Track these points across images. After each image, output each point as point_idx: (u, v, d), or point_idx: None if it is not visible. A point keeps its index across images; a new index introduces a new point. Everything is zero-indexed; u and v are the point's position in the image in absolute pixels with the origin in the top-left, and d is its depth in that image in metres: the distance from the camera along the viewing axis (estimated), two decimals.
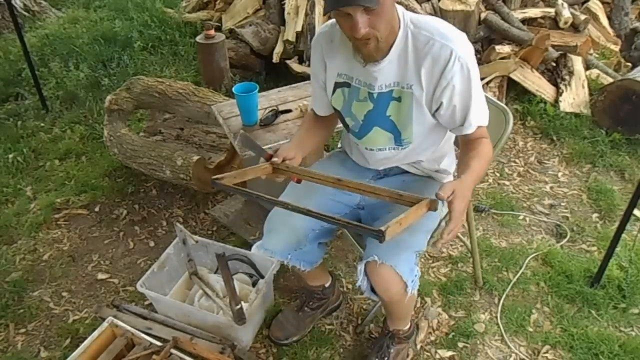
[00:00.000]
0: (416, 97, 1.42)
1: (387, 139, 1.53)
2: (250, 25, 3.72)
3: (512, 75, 3.28)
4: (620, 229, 1.98)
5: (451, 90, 1.37)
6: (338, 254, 2.33)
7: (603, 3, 4.00)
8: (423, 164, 1.63)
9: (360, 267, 1.48)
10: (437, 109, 1.43)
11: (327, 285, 2.00)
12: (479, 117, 1.42)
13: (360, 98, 1.50)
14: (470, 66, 1.35)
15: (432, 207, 1.27)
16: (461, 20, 3.35)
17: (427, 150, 1.58)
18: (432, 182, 1.66)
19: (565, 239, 2.40)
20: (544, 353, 1.91)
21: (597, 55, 3.63)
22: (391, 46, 1.38)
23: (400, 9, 1.37)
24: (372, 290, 1.54)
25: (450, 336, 1.97)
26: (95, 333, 1.76)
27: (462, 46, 1.35)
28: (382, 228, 1.12)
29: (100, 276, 2.30)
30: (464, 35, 1.38)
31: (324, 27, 1.54)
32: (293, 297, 2.14)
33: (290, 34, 3.48)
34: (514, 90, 3.37)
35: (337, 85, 1.53)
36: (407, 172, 1.68)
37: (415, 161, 1.62)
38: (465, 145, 1.48)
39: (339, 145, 1.85)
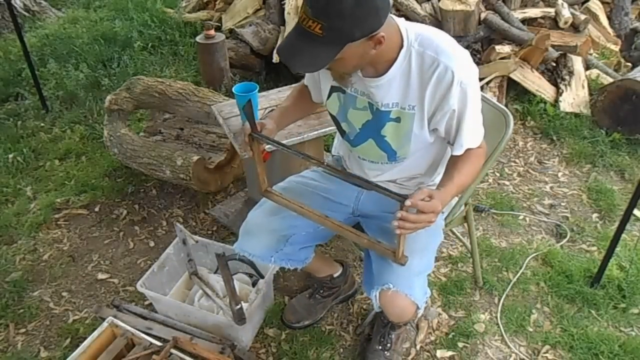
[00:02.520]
0: (418, 117, 1.39)
1: (380, 155, 1.50)
2: (250, 25, 3.72)
3: (512, 75, 3.28)
4: (620, 229, 1.98)
5: (450, 114, 1.35)
6: (338, 254, 2.33)
7: (603, 3, 3.99)
8: (419, 179, 1.59)
9: (375, 293, 1.46)
10: (435, 129, 1.42)
11: (335, 275, 2.00)
12: (470, 139, 1.39)
13: (358, 106, 1.46)
14: (470, 89, 1.32)
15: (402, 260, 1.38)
16: (461, 20, 3.35)
17: (424, 164, 1.56)
18: None
19: (565, 239, 2.40)
20: (544, 353, 1.91)
21: (597, 55, 3.63)
22: (392, 64, 1.33)
23: (403, 24, 1.31)
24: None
25: (450, 336, 1.97)
26: (95, 333, 1.76)
27: (464, 68, 1.31)
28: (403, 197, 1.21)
29: (100, 276, 2.30)
30: (467, 53, 1.35)
31: None
32: (296, 294, 2.14)
33: None
34: (514, 90, 3.37)
35: (333, 89, 1.49)
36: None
37: (412, 176, 1.58)
38: (451, 158, 1.46)
39: (333, 153, 1.82)
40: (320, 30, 1.16)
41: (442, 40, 1.33)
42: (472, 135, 1.40)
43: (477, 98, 1.36)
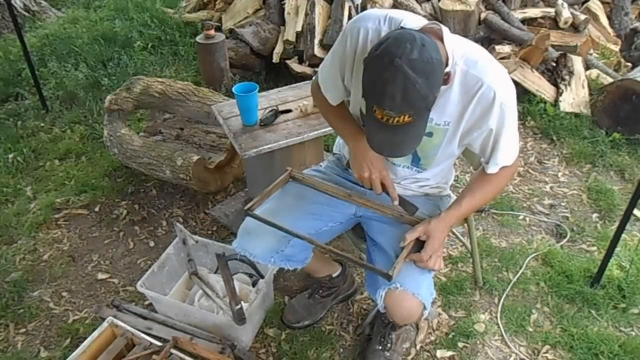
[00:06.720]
0: (450, 133, 1.40)
1: (405, 159, 1.52)
2: (250, 25, 3.72)
3: (512, 75, 3.27)
4: (620, 229, 1.98)
5: (487, 133, 1.37)
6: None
7: (603, 3, 4.00)
8: (423, 182, 1.61)
9: (381, 293, 1.45)
10: (469, 144, 1.44)
11: (334, 275, 2.00)
12: (506, 158, 1.42)
13: None
14: (508, 109, 1.33)
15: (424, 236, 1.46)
16: (461, 20, 3.35)
17: (437, 170, 1.58)
18: (430, 200, 1.65)
19: (565, 239, 2.40)
20: (544, 353, 1.91)
21: (597, 55, 3.63)
22: None
23: (450, 43, 1.27)
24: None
25: (450, 336, 1.97)
26: (95, 333, 1.76)
27: (506, 89, 1.32)
28: (390, 272, 1.34)
29: (100, 276, 2.30)
30: (506, 72, 1.36)
31: (372, 24, 1.35)
32: (296, 294, 2.14)
33: (290, 34, 3.48)
34: None
35: None
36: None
37: (417, 179, 1.59)
38: (480, 173, 1.49)
39: (335, 151, 1.82)
40: (409, 118, 1.18)
41: (485, 60, 1.33)
42: (508, 153, 1.42)
43: (515, 117, 1.38)
